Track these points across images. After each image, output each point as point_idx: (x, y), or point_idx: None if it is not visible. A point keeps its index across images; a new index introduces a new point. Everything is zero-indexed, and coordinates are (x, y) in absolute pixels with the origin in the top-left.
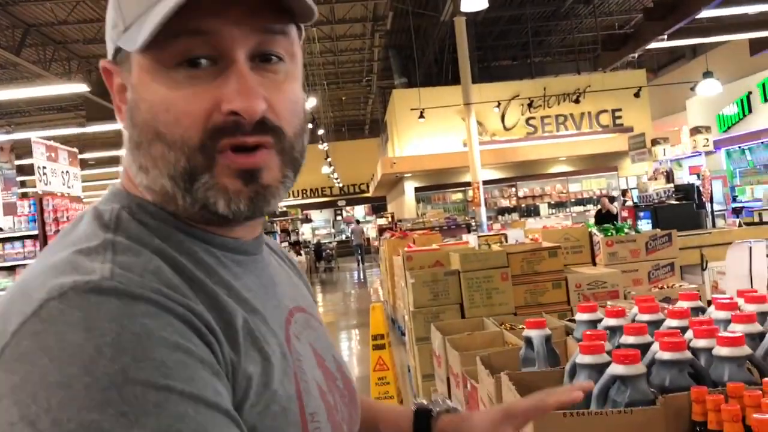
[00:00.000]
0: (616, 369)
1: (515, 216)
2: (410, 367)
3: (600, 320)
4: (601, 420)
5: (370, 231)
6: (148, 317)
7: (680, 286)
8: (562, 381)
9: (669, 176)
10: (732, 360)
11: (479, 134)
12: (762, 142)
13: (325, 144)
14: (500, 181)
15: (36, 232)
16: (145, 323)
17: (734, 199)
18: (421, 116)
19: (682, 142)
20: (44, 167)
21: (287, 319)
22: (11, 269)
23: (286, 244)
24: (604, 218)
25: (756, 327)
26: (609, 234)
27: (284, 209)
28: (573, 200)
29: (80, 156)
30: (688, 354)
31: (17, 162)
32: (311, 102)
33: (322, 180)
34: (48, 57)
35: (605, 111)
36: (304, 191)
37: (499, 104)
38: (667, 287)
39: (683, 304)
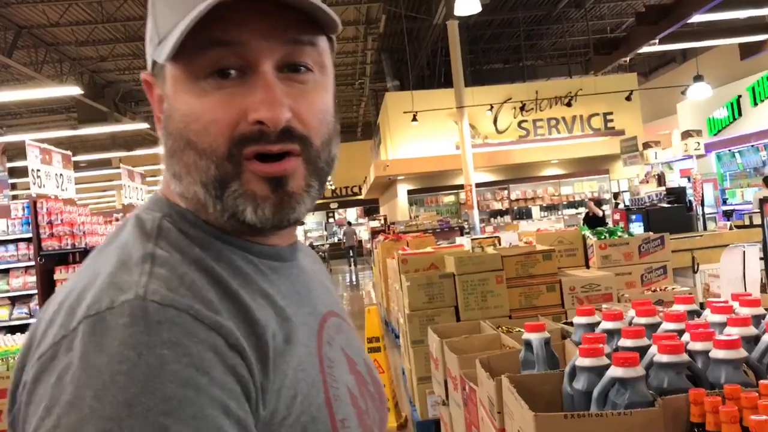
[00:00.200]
0: (615, 371)
1: (507, 219)
2: (405, 370)
3: (598, 323)
4: (601, 421)
5: (363, 233)
6: (168, 346)
7: (673, 289)
8: (562, 383)
9: (660, 179)
10: (729, 362)
11: (472, 137)
12: (752, 146)
13: None
14: (492, 183)
15: (30, 235)
16: (162, 354)
17: (724, 202)
18: (414, 119)
19: (674, 145)
20: (38, 170)
21: (321, 325)
22: (5, 272)
23: None
24: (591, 222)
25: (751, 330)
26: (602, 237)
27: None
28: (565, 203)
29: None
30: (685, 357)
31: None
32: None
33: None
34: (40, 59)
35: (597, 114)
36: None
37: (492, 107)
38: (660, 290)
39: (679, 308)
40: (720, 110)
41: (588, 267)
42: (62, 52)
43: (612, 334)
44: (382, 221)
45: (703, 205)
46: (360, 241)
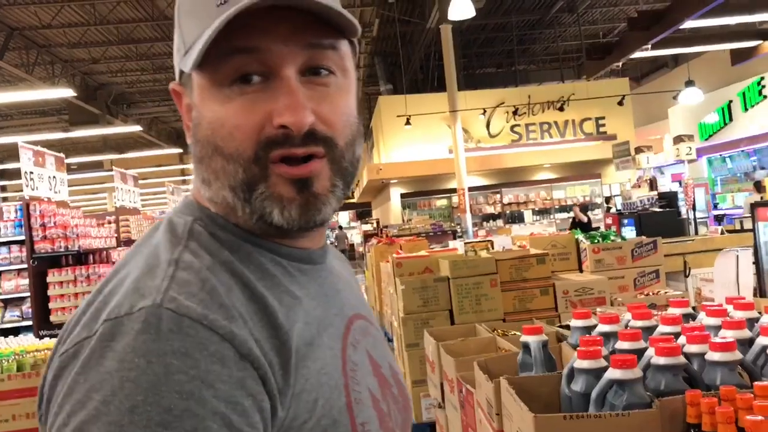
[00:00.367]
0: (613, 373)
1: (500, 222)
2: None
3: (594, 326)
4: (600, 423)
5: (355, 237)
6: (177, 356)
7: (665, 293)
8: (560, 385)
9: (652, 184)
10: (724, 365)
11: (465, 141)
12: (742, 150)
13: None
14: (485, 187)
15: (22, 238)
16: (170, 363)
17: (715, 207)
18: (408, 123)
19: (665, 150)
20: (31, 172)
21: (347, 327)
22: None
23: None
24: (577, 227)
25: (745, 333)
26: (595, 241)
27: None
28: (557, 207)
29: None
30: (682, 359)
31: None
32: None
33: None
34: (31, 60)
35: (589, 119)
36: None
37: (485, 111)
38: (653, 294)
39: (675, 311)
40: (711, 115)
41: (581, 271)
42: (54, 54)
43: (608, 336)
44: (375, 225)
45: (694, 209)
46: (351, 245)
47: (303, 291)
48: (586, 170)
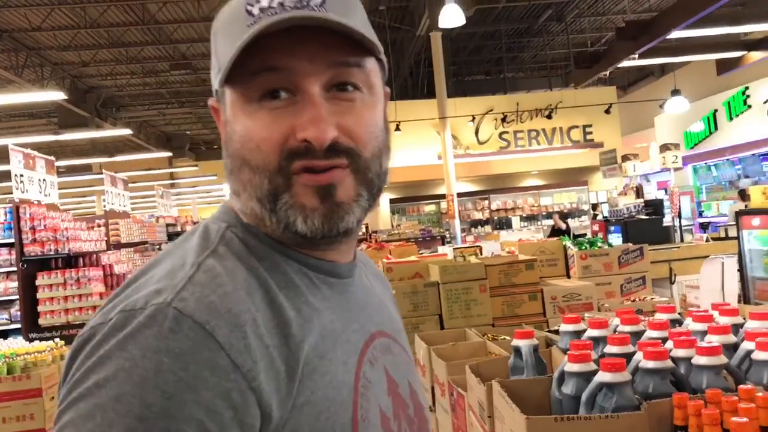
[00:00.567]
0: (603, 377)
1: (488, 228)
2: None
3: (583, 331)
4: (590, 424)
5: None
6: (170, 355)
7: (652, 299)
8: (551, 388)
9: (639, 192)
10: (710, 368)
11: (454, 147)
12: (727, 159)
13: None
14: (474, 193)
15: (12, 240)
16: (161, 361)
17: (700, 215)
18: (397, 129)
19: (651, 158)
20: (21, 175)
21: (366, 344)
22: None
23: None
24: (556, 234)
25: (730, 338)
26: (583, 248)
27: None
28: (544, 213)
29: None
30: (669, 363)
31: None
32: None
33: None
34: (20, 63)
35: (576, 126)
36: None
37: (474, 118)
38: (639, 300)
39: (662, 317)
40: (697, 124)
41: (569, 277)
42: (44, 57)
43: (598, 341)
44: (364, 229)
45: (680, 217)
46: None
47: (325, 304)
48: (574, 177)
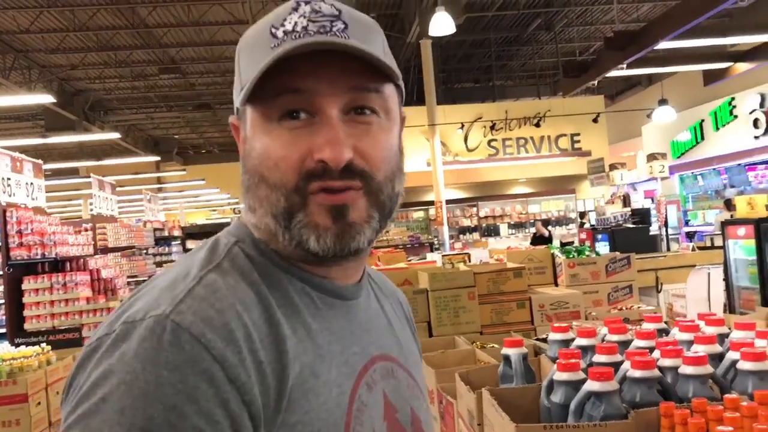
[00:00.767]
0: (591, 386)
1: (476, 235)
2: None
3: (572, 340)
4: None
5: None
6: (168, 368)
7: (638, 307)
8: (540, 397)
9: (626, 200)
10: (696, 378)
11: (443, 154)
12: (713, 169)
13: None
14: (462, 200)
15: None
16: (161, 374)
17: (687, 224)
18: None
19: (638, 167)
20: (8, 178)
21: (365, 367)
22: None
23: None
24: (538, 242)
25: (716, 348)
26: (571, 256)
27: None
28: (532, 221)
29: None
30: (656, 372)
31: None
32: None
33: None
34: (8, 65)
35: (564, 135)
36: None
37: (463, 126)
38: (626, 308)
39: (649, 326)
40: (683, 134)
41: (557, 285)
42: (31, 59)
43: (586, 350)
44: None
45: (666, 226)
46: None
47: (323, 324)
48: (561, 185)
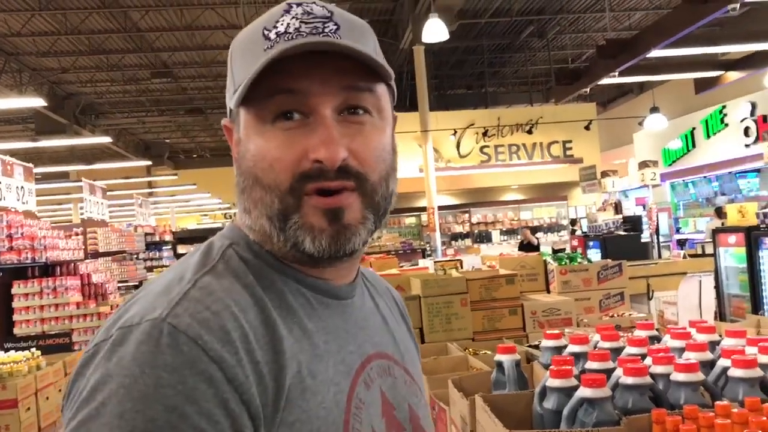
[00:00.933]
0: (584, 392)
1: (468, 242)
2: None
3: (564, 347)
4: None
5: None
6: (167, 370)
7: (630, 314)
8: (532, 403)
9: (617, 208)
10: (688, 385)
11: (435, 161)
12: (704, 176)
13: None
14: (454, 207)
15: None
16: (160, 376)
17: (678, 231)
18: None
19: (630, 174)
20: None
21: (362, 365)
22: None
23: None
24: (526, 249)
25: (707, 355)
26: (563, 263)
27: None
28: (524, 227)
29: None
30: (648, 379)
31: None
32: None
33: None
34: None
35: (556, 142)
36: None
37: (455, 132)
38: (618, 315)
39: (641, 333)
40: (675, 141)
41: (549, 291)
42: (22, 62)
43: (578, 357)
44: None
45: (657, 233)
46: None
47: (319, 324)
48: (553, 192)
